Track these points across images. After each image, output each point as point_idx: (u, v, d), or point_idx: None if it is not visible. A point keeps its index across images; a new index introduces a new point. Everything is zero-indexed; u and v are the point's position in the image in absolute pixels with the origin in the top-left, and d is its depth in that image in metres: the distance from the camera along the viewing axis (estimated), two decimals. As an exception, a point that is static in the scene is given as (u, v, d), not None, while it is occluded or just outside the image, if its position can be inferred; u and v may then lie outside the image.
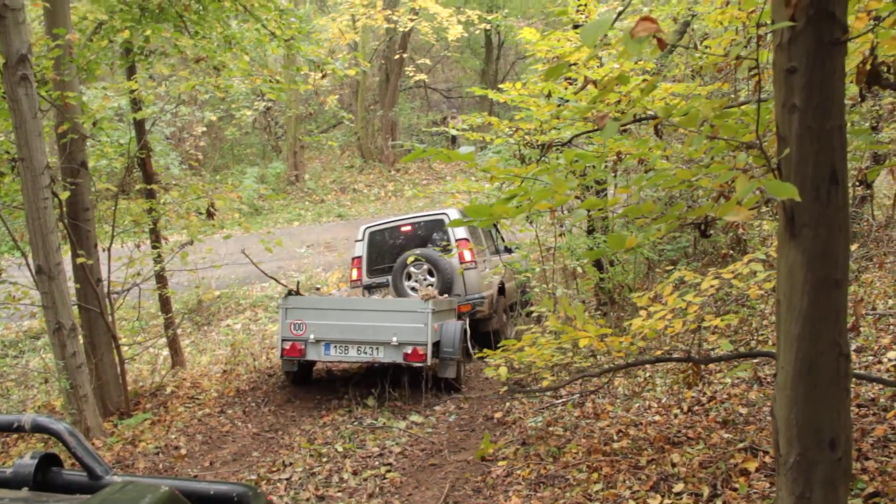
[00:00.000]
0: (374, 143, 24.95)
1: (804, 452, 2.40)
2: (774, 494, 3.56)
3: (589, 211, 3.35)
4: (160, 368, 9.26)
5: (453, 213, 9.44)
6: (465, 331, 8.21)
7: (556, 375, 6.69)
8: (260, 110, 19.61)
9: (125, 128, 10.30)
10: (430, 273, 9.05)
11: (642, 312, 5.44)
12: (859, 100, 4.17)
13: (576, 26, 7.30)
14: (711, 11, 5.70)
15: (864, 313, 6.22)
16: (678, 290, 5.45)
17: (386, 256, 9.68)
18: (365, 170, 24.02)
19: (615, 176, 7.30)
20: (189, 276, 11.13)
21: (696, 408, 5.73)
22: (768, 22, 2.51)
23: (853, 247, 6.96)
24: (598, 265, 9.16)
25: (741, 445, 4.67)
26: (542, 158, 5.49)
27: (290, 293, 7.83)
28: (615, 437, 5.40)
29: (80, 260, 7.22)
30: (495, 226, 10.69)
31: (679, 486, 4.33)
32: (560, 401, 6.64)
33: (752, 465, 4.33)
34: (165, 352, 9.89)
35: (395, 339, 7.50)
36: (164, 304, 9.36)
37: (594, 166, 4.76)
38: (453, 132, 8.33)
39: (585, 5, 6.89)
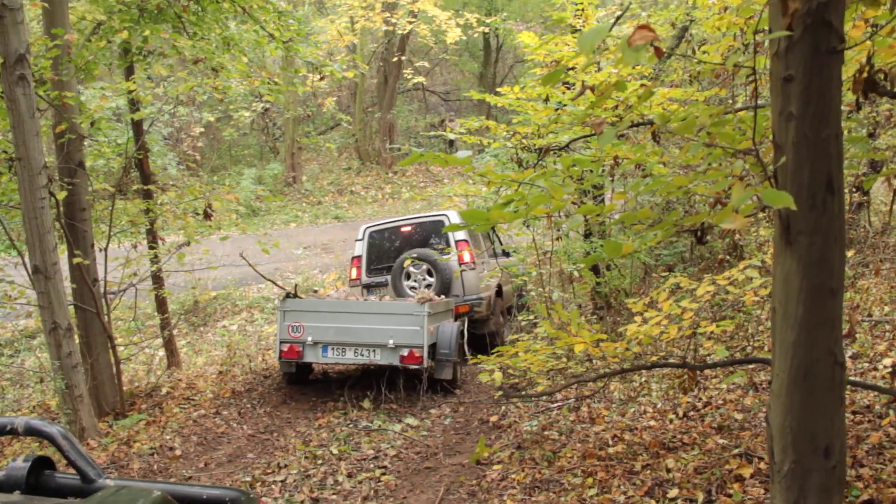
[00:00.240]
0: (371, 145, 24.96)
1: (799, 460, 2.40)
2: (769, 501, 3.56)
3: (586, 216, 3.36)
4: (156, 369, 9.25)
5: (453, 215, 9.47)
6: (462, 332, 8.23)
7: (552, 380, 6.69)
8: (258, 111, 19.60)
9: (123, 128, 10.31)
10: (430, 273, 9.07)
11: (638, 318, 5.44)
12: (856, 108, 4.18)
13: (574, 30, 7.31)
14: (709, 17, 5.71)
15: (860, 320, 6.23)
16: (674, 295, 5.46)
17: (385, 256, 9.70)
18: (362, 172, 24.03)
19: (612, 181, 7.31)
20: (185, 276, 11.13)
21: (692, 413, 5.73)
22: (766, 28, 2.51)
23: (849, 253, 6.97)
24: (594, 269, 9.17)
25: (736, 451, 4.67)
26: (540, 162, 5.50)
27: (288, 296, 7.86)
28: (610, 442, 5.40)
29: (76, 260, 7.21)
30: (493, 229, 10.70)
31: (674, 492, 4.33)
32: (555, 405, 6.64)
33: (746, 472, 4.33)
34: (161, 352, 9.87)
35: (391, 341, 7.51)
36: (161, 304, 9.35)
37: (591, 171, 4.77)
38: (451, 135, 8.36)
39: (583, 10, 6.90)
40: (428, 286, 8.94)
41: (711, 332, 5.46)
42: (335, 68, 8.72)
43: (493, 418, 6.83)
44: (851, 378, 5.05)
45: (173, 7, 7.60)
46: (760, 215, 7.04)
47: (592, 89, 3.64)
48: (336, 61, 8.95)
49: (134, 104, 8.46)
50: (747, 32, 4.88)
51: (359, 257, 9.83)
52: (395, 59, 22.79)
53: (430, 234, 9.70)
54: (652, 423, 5.69)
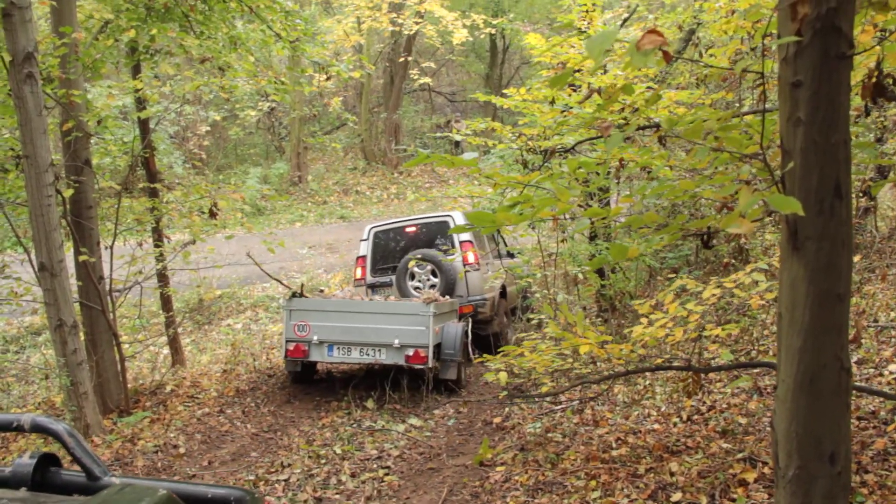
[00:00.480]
0: (377, 145, 24.96)
1: (804, 465, 2.40)
2: (773, 506, 3.56)
3: (591, 219, 3.36)
4: (160, 367, 9.27)
5: (458, 216, 9.47)
6: (467, 332, 8.24)
7: (556, 381, 6.69)
8: (264, 111, 19.64)
9: (129, 126, 10.33)
10: (434, 274, 9.08)
11: (643, 320, 5.44)
12: (864, 113, 4.17)
13: (580, 32, 7.30)
14: (717, 20, 5.70)
15: (866, 325, 6.21)
16: (679, 298, 5.45)
17: (390, 257, 9.71)
18: (368, 172, 24.04)
19: (618, 183, 7.30)
20: (190, 275, 11.15)
21: (696, 417, 5.72)
22: (774, 32, 2.50)
23: (856, 258, 6.95)
24: (599, 272, 9.16)
25: (740, 456, 4.66)
26: (546, 164, 5.49)
27: (294, 295, 7.89)
28: (614, 445, 5.39)
29: (82, 257, 7.24)
30: (497, 230, 10.70)
31: (677, 496, 4.32)
32: (559, 407, 6.63)
33: (750, 476, 4.32)
34: (166, 350, 9.90)
35: (396, 341, 7.53)
36: (166, 302, 9.37)
37: (597, 174, 4.76)
38: (457, 137, 8.36)
39: (588, 12, 6.89)
40: (432, 286, 8.95)
41: (717, 336, 5.44)
42: (341, 68, 8.73)
43: (497, 420, 6.83)
44: (857, 383, 5.04)
45: (180, 6, 7.61)
46: (766, 220, 7.03)
47: (599, 92, 3.63)
48: (342, 61, 8.94)
49: (140, 103, 8.48)
50: (755, 36, 4.87)
51: (363, 257, 9.85)
52: (402, 59, 22.79)
53: (434, 234, 9.71)
54: (656, 426, 5.69)
